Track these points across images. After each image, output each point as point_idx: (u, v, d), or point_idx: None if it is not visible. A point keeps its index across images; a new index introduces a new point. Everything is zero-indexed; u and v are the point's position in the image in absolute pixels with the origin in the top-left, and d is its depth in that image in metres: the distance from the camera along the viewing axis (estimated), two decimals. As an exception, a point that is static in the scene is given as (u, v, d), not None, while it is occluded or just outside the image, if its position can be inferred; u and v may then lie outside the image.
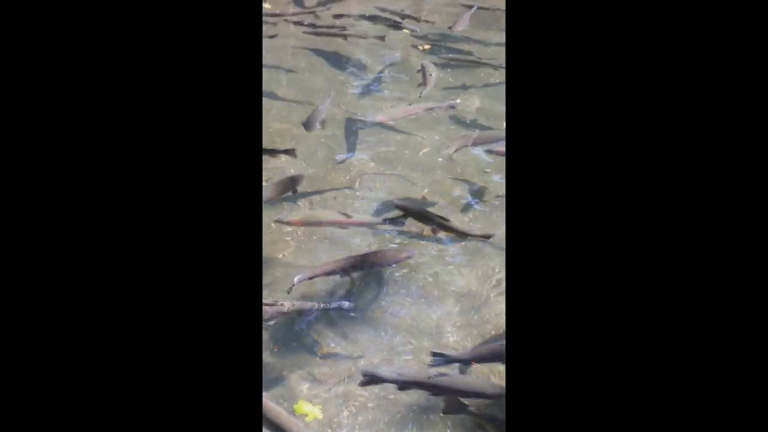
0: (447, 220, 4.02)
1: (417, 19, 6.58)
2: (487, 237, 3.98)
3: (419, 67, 5.60)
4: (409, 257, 3.78)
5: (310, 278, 3.58)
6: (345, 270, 3.64)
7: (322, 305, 3.42)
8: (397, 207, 4.15)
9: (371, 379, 3.06)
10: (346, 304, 3.43)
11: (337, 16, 6.61)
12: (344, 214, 3.97)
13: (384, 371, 3.07)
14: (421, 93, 5.25)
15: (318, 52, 6.17)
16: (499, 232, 4.06)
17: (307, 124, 4.74)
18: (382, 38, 6.15)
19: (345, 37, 6.16)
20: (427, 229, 4.06)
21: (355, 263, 3.66)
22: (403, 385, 3.04)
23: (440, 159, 4.81)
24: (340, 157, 4.75)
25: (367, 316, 3.59)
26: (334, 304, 3.43)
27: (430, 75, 5.39)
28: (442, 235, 4.05)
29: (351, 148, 4.87)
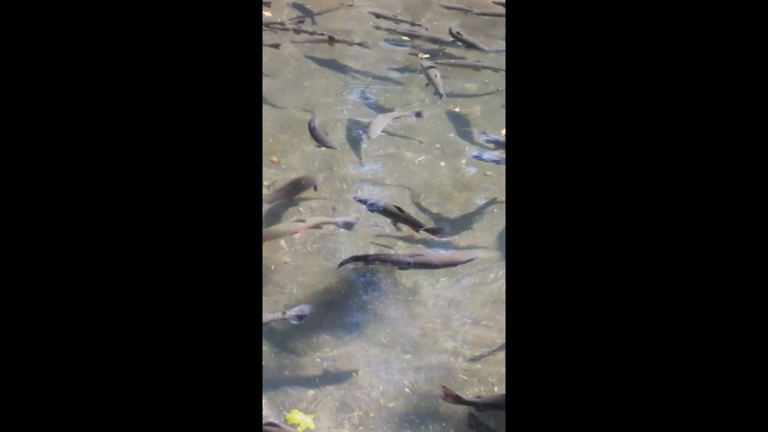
0: (402, 211, 4.03)
1: (412, 24, 6.59)
2: (437, 231, 4.02)
3: (420, 69, 5.63)
4: (471, 260, 3.79)
5: (365, 262, 3.69)
6: (402, 263, 3.67)
7: (279, 315, 3.42)
8: (357, 201, 4.20)
9: (454, 400, 3.10)
10: (306, 308, 3.45)
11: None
12: (300, 221, 4.00)
13: (464, 394, 3.13)
14: (440, 95, 5.29)
15: (317, 60, 6.19)
16: (492, 238, 4.10)
17: (324, 143, 4.71)
18: (364, 44, 6.20)
19: (331, 43, 6.17)
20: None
21: (415, 261, 3.68)
22: (484, 407, 3.08)
23: (443, 163, 4.80)
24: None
25: (364, 322, 3.60)
26: (292, 312, 3.42)
27: (436, 76, 5.41)
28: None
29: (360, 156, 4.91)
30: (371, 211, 4.13)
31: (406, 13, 6.94)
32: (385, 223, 4.15)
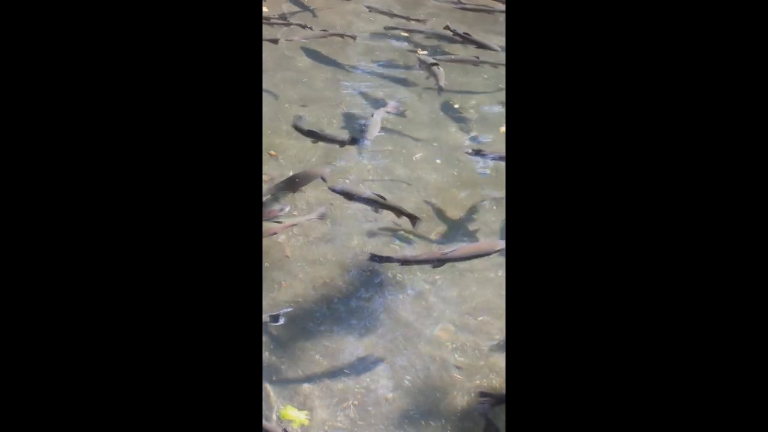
0: (384, 198, 4.04)
1: (407, 19, 6.61)
2: (415, 218, 4.03)
3: (418, 63, 5.68)
4: (500, 249, 3.75)
5: (404, 263, 3.70)
6: (435, 261, 3.66)
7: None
8: (333, 191, 4.17)
9: (494, 400, 3.11)
10: (283, 310, 3.46)
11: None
12: (276, 222, 3.99)
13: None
14: (440, 88, 5.34)
15: (314, 54, 6.20)
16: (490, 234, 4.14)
17: (345, 142, 4.68)
18: (355, 37, 6.26)
19: (326, 36, 6.21)
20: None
21: (447, 257, 3.67)
22: None
23: (438, 161, 4.81)
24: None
25: (362, 316, 3.63)
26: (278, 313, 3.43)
27: (439, 69, 5.47)
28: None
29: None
30: (350, 200, 4.12)
31: (402, 8, 6.94)
32: (381, 216, 4.18)
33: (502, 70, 5.79)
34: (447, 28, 6.17)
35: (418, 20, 6.61)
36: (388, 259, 3.65)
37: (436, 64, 5.56)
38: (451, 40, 6.23)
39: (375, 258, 3.65)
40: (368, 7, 6.82)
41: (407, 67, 6.01)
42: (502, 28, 6.72)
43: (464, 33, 6.11)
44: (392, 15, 6.66)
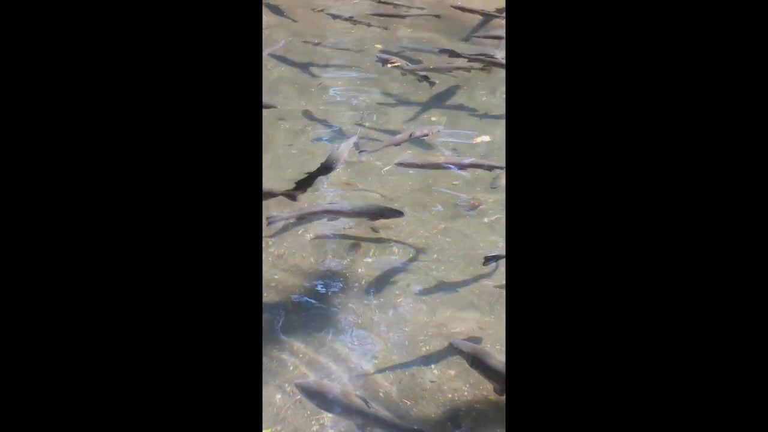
0: (293, 191, 4.09)
1: (368, 25, 6.70)
2: (292, 196, 4.08)
3: (380, 62, 5.89)
4: None
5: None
6: None
7: None
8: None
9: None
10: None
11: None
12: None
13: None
14: (430, 82, 5.54)
15: (289, 62, 6.23)
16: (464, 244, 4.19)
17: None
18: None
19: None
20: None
21: None
22: None
23: (411, 171, 4.85)
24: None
25: (338, 324, 3.64)
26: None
27: (423, 73, 5.64)
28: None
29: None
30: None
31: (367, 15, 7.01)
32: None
33: (475, 76, 5.88)
34: (453, 53, 6.02)
35: (384, 28, 6.68)
36: (498, 257, 3.79)
37: (426, 77, 5.65)
38: (428, 51, 6.28)
39: (490, 260, 3.78)
40: (331, 15, 6.86)
41: (382, 74, 6.06)
42: (465, 33, 6.82)
43: (481, 54, 5.98)
44: (354, 22, 6.71)
